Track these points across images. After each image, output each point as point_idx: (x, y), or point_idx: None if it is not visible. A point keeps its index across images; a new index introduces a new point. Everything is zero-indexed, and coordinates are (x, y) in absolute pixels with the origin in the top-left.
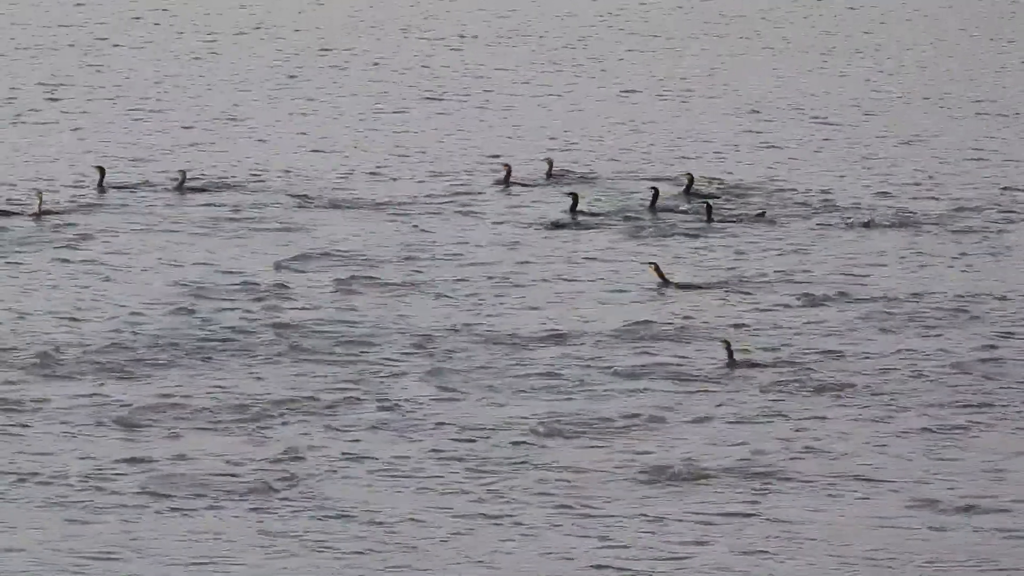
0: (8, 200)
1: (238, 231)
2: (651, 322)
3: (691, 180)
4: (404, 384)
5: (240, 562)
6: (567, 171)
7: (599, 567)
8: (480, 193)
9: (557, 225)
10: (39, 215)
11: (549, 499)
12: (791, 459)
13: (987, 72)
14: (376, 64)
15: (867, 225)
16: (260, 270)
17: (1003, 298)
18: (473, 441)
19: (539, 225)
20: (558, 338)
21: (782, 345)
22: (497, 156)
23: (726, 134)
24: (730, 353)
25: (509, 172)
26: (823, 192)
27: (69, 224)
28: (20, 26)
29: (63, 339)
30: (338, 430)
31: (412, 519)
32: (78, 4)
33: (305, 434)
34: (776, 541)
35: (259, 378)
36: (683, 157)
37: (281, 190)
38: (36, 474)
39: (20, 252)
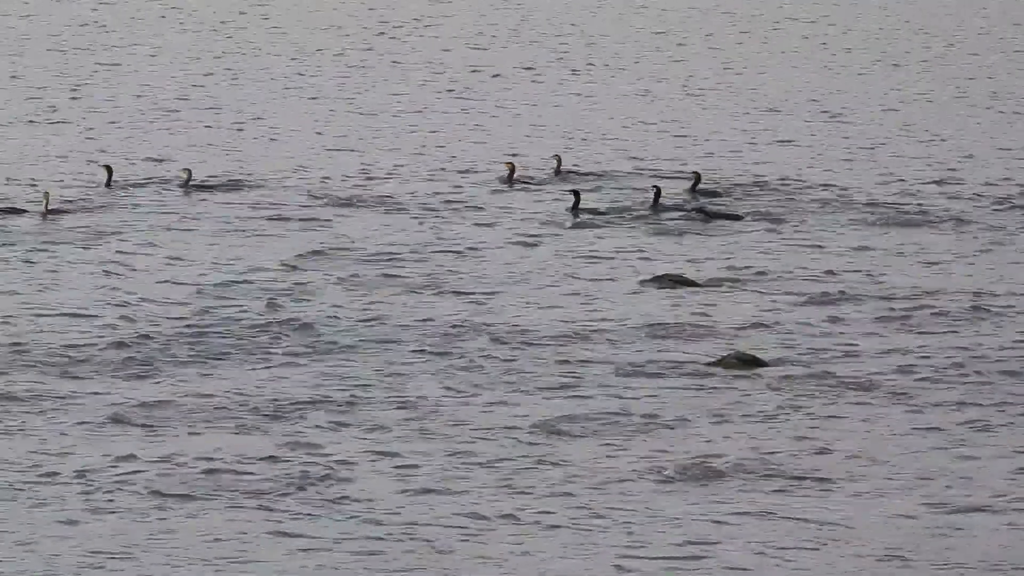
0: (18, 198)
1: (253, 229)
2: (667, 320)
3: (697, 178)
4: (421, 383)
5: (257, 561)
6: (576, 169)
7: (617, 567)
8: (493, 191)
9: (573, 223)
10: (46, 214)
11: (567, 498)
12: (808, 458)
13: (1005, 69)
14: (395, 63)
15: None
16: (276, 268)
17: (1022, 295)
18: (490, 440)
19: (552, 223)
20: (574, 336)
21: (798, 343)
22: (514, 154)
23: (742, 132)
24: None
25: (513, 169)
26: (841, 189)
27: (79, 223)
28: (42, 25)
29: (79, 337)
30: (355, 429)
31: (430, 518)
32: (100, 3)
33: (322, 433)
34: (793, 540)
35: (276, 377)
36: (706, 154)
37: (297, 188)
38: (53, 472)
39: (32, 251)
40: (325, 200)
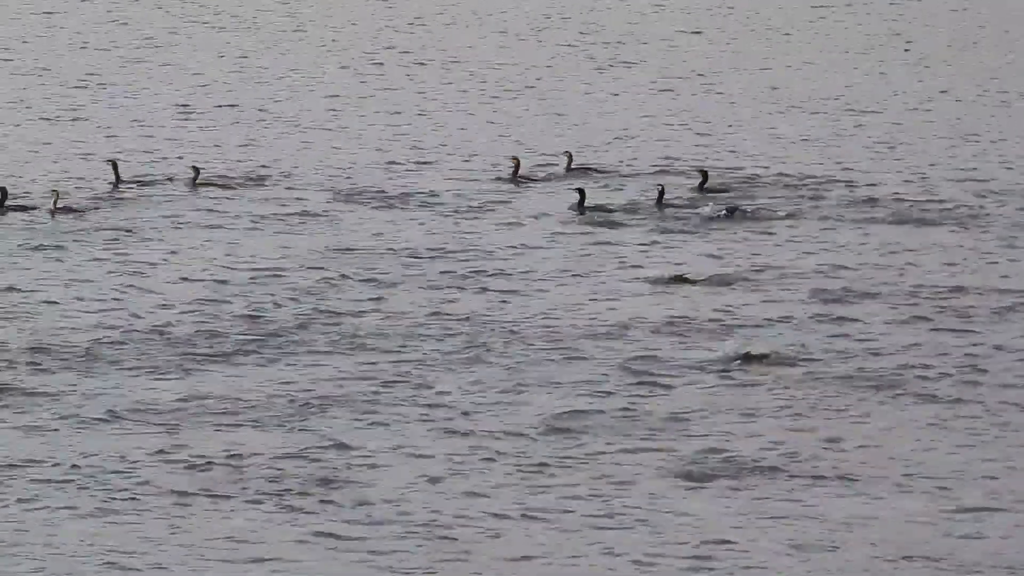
0: (33, 195)
1: (272, 226)
2: (685, 317)
3: (705, 176)
4: (444, 380)
5: (281, 559)
6: (588, 165)
7: (638, 563)
8: (510, 189)
9: (579, 220)
10: (55, 212)
11: (589, 496)
12: (829, 456)
13: None
14: (419, 62)
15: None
16: (298, 266)
17: None
18: (513, 437)
19: (561, 220)
20: (595, 333)
21: (818, 341)
22: (531, 151)
23: (764, 130)
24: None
25: (518, 166)
26: (863, 187)
27: (91, 222)
28: (62, 20)
29: (102, 335)
30: (378, 426)
31: (452, 516)
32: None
33: (345, 430)
34: (815, 538)
35: (298, 374)
36: (728, 152)
37: (319, 185)
38: (74, 470)
39: (47, 248)
40: (352, 197)
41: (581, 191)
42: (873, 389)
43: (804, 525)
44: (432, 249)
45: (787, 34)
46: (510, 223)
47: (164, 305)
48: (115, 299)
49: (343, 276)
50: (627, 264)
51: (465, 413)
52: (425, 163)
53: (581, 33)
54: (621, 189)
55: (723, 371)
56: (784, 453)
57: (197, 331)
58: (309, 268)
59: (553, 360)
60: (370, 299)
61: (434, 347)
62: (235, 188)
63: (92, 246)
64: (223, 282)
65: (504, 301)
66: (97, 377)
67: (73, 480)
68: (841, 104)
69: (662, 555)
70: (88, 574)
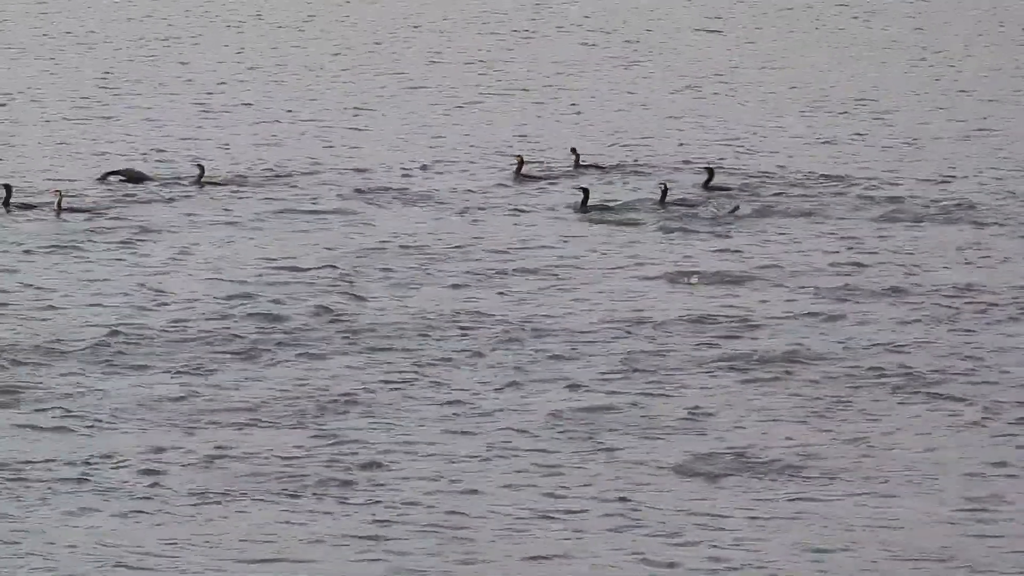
0: (40, 194)
1: (288, 225)
2: (698, 315)
3: (711, 173)
4: (462, 378)
5: (296, 558)
6: (597, 162)
7: (653, 563)
8: (521, 186)
9: (584, 219)
10: (59, 212)
11: (607, 495)
12: (846, 455)
13: None
14: (433, 61)
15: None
16: (314, 264)
17: None
18: (529, 436)
19: (568, 219)
20: (612, 331)
21: (839, 339)
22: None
23: (783, 128)
24: None
25: (521, 163)
26: (883, 185)
27: (101, 221)
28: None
29: (118, 334)
30: (396, 425)
31: (471, 514)
32: None
33: (364, 429)
34: (831, 538)
35: (316, 373)
36: (746, 151)
37: (335, 184)
38: (94, 468)
39: (58, 248)
40: (369, 195)
41: (585, 190)
42: (889, 389)
43: (819, 525)
44: (446, 247)
45: (804, 33)
46: (515, 220)
47: (178, 303)
48: (129, 297)
49: (357, 273)
50: (632, 262)
51: (481, 411)
52: (439, 161)
53: (601, 29)
54: (628, 186)
55: (737, 370)
56: (799, 453)
57: (212, 329)
58: (323, 266)
59: (566, 358)
60: (384, 297)
61: (449, 345)
62: (236, 186)
63: (103, 244)
64: (235, 281)
65: (521, 300)
66: (113, 376)
67: (87, 479)
68: (859, 103)
69: (677, 555)
70: (103, 574)
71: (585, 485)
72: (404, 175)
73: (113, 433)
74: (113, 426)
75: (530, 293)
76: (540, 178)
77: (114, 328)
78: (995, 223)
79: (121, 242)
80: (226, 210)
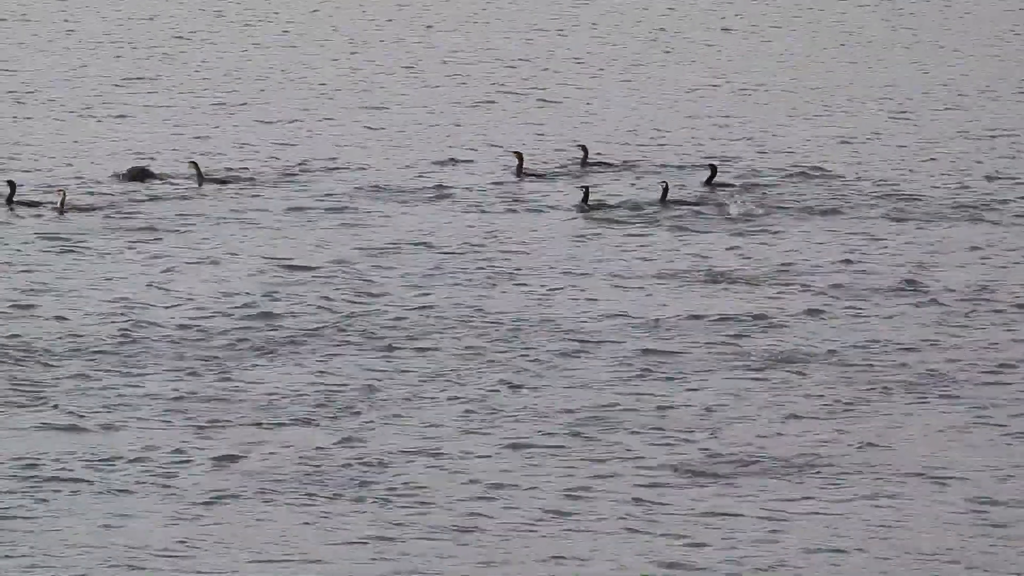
0: (49, 192)
1: (301, 223)
2: (715, 315)
3: (713, 171)
4: (477, 376)
5: (312, 558)
6: (606, 159)
7: (668, 563)
8: (527, 184)
9: (583, 218)
10: (62, 211)
11: (621, 494)
12: (858, 455)
13: None
14: (445, 60)
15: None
16: (326, 262)
17: None
18: (544, 436)
19: (572, 218)
20: (624, 330)
21: (851, 339)
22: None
23: (799, 129)
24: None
25: (521, 161)
26: (899, 185)
27: (104, 220)
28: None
29: (131, 333)
30: (412, 423)
31: (487, 513)
32: None
33: (378, 428)
34: (842, 538)
35: (331, 371)
36: (760, 152)
37: (345, 182)
38: (109, 467)
39: (68, 247)
40: (382, 193)
41: (585, 188)
42: (905, 388)
43: (833, 525)
44: (459, 245)
45: (820, 32)
46: (519, 218)
47: (192, 302)
48: (142, 296)
49: (372, 272)
50: (634, 261)
51: (497, 411)
52: (452, 160)
53: (616, 28)
54: (633, 184)
55: (751, 369)
56: (814, 453)
57: (223, 328)
58: (335, 264)
59: (579, 356)
60: (399, 296)
61: (463, 344)
62: (237, 185)
63: (112, 243)
64: (246, 279)
65: (532, 298)
66: (127, 375)
67: (97, 479)
68: (875, 102)
69: (688, 555)
70: (115, 573)
71: (600, 485)
72: (418, 174)
73: (123, 432)
74: (124, 425)
75: (541, 291)
76: (542, 175)
77: (128, 326)
78: (1011, 223)
79: (127, 241)
80: (237, 209)
